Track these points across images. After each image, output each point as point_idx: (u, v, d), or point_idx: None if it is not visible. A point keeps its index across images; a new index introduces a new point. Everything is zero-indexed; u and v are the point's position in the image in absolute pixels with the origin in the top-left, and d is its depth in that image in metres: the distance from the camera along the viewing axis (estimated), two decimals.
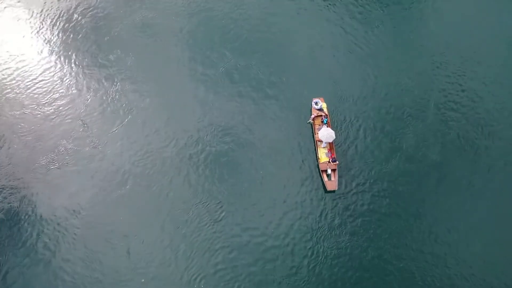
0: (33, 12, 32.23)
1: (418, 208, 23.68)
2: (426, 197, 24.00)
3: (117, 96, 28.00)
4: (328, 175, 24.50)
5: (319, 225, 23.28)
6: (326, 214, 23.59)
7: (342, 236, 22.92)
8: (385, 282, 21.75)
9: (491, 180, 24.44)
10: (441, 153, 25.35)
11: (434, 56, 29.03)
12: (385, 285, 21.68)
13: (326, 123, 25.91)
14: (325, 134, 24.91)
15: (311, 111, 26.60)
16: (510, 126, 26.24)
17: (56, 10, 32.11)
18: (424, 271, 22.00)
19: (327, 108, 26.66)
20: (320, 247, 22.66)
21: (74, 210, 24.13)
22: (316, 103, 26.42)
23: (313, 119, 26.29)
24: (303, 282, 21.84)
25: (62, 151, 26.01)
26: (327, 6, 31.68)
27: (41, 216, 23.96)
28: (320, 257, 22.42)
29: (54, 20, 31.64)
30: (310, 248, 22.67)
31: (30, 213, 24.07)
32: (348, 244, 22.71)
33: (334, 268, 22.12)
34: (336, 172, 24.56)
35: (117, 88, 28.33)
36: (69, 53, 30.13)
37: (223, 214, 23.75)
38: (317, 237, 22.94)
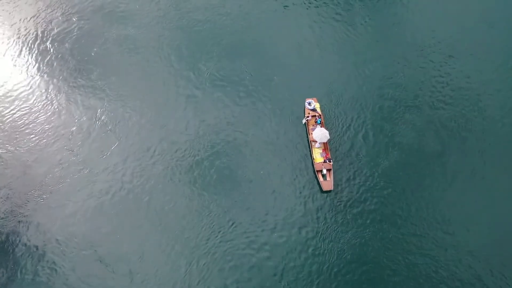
0: (5, 38, 31.15)
1: (417, 202, 23.89)
2: (424, 190, 24.19)
3: (102, 117, 27.33)
4: (323, 175, 24.71)
5: (318, 229, 23.38)
6: (324, 216, 23.72)
7: (342, 238, 23.08)
8: (388, 280, 22.00)
9: (491, 165, 24.73)
10: (438, 144, 25.53)
11: (423, 50, 29.16)
12: (389, 283, 21.93)
13: (320, 123, 26.08)
14: (319, 134, 25.09)
15: (304, 111, 26.74)
16: (503, 110, 26.61)
17: (31, 35, 31.00)
18: (426, 264, 22.24)
19: (321, 108, 26.81)
20: (321, 250, 22.83)
21: (68, 238, 23.52)
22: (309, 104, 26.55)
23: (307, 120, 26.42)
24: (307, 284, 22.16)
25: (51, 180, 25.24)
26: (311, 5, 31.57)
27: (35, 246, 23.37)
28: (323, 260, 22.62)
29: (30, 45, 30.52)
30: (312, 253, 22.79)
31: (24, 243, 23.45)
32: (348, 245, 22.89)
33: (336, 269, 22.37)
34: (332, 172, 24.79)
35: (102, 108, 27.62)
36: (48, 78, 29.01)
37: (224, 226, 23.52)
38: (317, 241, 23.07)
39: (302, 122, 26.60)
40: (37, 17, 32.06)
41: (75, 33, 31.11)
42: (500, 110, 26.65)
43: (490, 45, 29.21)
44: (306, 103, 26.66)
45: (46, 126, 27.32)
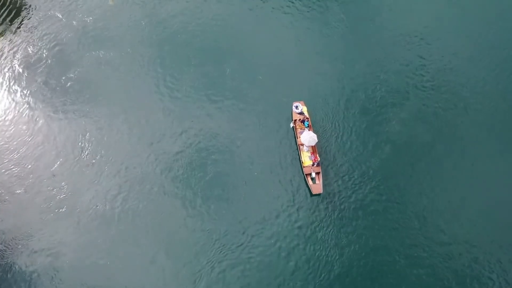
0: None
1: (408, 201, 23.99)
2: (415, 188, 24.35)
3: (85, 144, 26.41)
4: (312, 179, 24.65)
5: (309, 233, 23.33)
6: (314, 220, 23.68)
7: (333, 241, 23.11)
8: (379, 282, 22.11)
9: (482, 152, 25.16)
10: (428, 137, 25.78)
11: (404, 47, 29.39)
12: (383, 282, 22.08)
13: (308, 126, 25.99)
14: (308, 137, 24.98)
15: (292, 115, 26.62)
16: (484, 99, 26.98)
17: (5, 66, 29.65)
18: (419, 262, 22.42)
19: (308, 111, 26.71)
20: (312, 254, 22.84)
21: (57, 276, 22.97)
22: (296, 107, 26.45)
23: (295, 123, 26.30)
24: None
25: (38, 217, 24.43)
26: (289, 9, 31.30)
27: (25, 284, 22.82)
28: (314, 263, 22.65)
29: (4, 72, 29.31)
30: (303, 257, 22.79)
31: (13, 280, 22.91)
32: (339, 247, 22.93)
33: (330, 271, 22.41)
34: (321, 175, 24.70)
35: (85, 135, 26.71)
36: (27, 110, 27.74)
37: (223, 238, 23.43)
38: (308, 245, 23.06)
39: (290, 126, 26.47)
40: (11, 48, 30.59)
41: (50, 61, 29.65)
42: (488, 97, 27.08)
43: (472, 37, 29.61)
44: (293, 107, 26.55)
45: (28, 165, 26.11)
